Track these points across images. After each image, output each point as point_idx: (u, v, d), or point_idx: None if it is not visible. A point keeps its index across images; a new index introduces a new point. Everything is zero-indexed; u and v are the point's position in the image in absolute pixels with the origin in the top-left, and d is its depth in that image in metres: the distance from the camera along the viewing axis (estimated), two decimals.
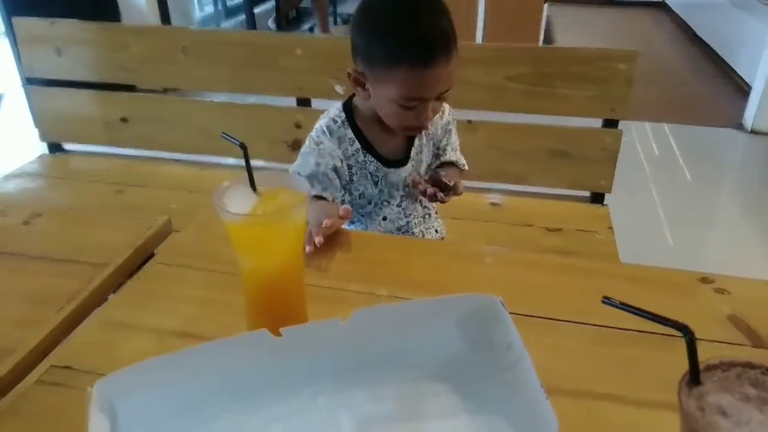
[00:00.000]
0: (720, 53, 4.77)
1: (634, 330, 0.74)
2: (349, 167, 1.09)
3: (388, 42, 0.94)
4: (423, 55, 0.92)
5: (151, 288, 0.83)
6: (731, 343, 0.73)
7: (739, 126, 3.65)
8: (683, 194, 2.94)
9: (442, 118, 1.16)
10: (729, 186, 3.14)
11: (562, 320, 0.76)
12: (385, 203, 1.14)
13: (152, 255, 0.97)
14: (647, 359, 0.70)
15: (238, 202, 0.61)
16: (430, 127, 1.13)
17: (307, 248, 0.84)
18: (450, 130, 1.18)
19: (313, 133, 1.09)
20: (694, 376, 0.41)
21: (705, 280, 0.85)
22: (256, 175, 0.64)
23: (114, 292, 0.87)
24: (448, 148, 1.19)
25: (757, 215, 2.74)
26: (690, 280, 0.85)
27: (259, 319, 0.67)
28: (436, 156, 1.19)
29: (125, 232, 0.96)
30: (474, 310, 0.52)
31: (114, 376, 0.48)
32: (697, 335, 0.74)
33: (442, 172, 1.12)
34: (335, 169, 1.06)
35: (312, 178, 1.04)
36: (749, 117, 3.59)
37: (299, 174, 1.05)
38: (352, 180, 1.10)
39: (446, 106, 1.17)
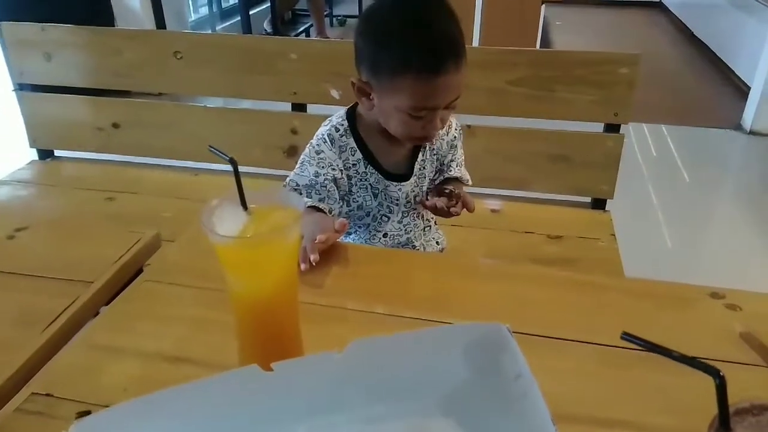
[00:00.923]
0: (718, 54, 4.75)
1: (643, 350, 0.70)
2: (349, 178, 1.06)
3: (395, 49, 0.90)
4: (432, 63, 0.88)
5: (138, 307, 0.80)
6: (744, 364, 0.70)
7: (738, 127, 3.63)
8: (683, 197, 2.92)
9: (448, 133, 1.12)
10: (729, 188, 3.12)
11: (567, 339, 0.73)
12: (384, 217, 1.10)
13: (141, 270, 0.93)
14: (658, 382, 0.66)
15: (228, 221, 0.58)
16: (435, 140, 1.10)
17: (302, 266, 0.80)
18: (456, 146, 1.14)
19: (313, 141, 1.05)
20: (724, 421, 0.37)
21: (715, 295, 0.82)
22: (247, 190, 0.61)
23: (101, 310, 0.84)
24: (453, 164, 1.15)
25: (759, 218, 2.71)
26: (700, 295, 0.82)
27: (250, 342, 0.64)
28: (440, 171, 1.15)
29: (113, 247, 0.93)
30: (480, 339, 0.49)
31: (94, 417, 0.45)
32: (709, 355, 0.71)
33: (446, 187, 1.08)
34: (334, 180, 1.03)
35: (310, 188, 1.01)
36: (748, 118, 3.57)
37: (297, 183, 1.02)
38: (351, 191, 1.07)
39: (453, 121, 1.13)
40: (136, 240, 0.95)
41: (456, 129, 1.14)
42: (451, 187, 1.03)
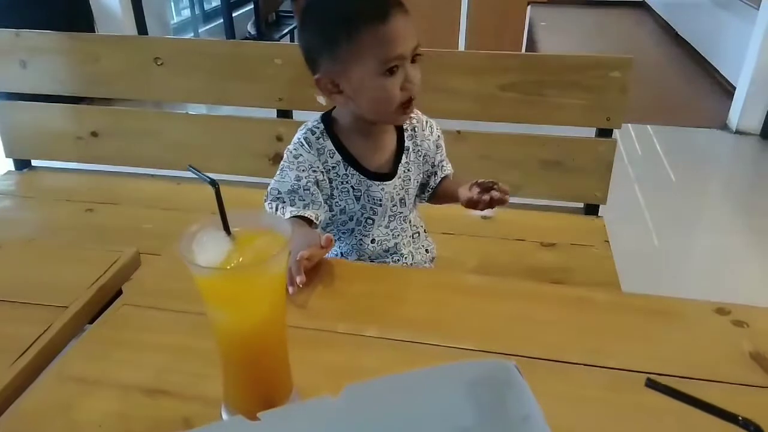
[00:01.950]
0: (703, 53, 4.77)
1: (654, 373, 0.67)
2: (330, 181, 1.03)
3: (342, 20, 0.92)
4: (378, 12, 0.89)
5: (116, 334, 0.75)
6: (758, 386, 0.67)
7: (724, 126, 3.63)
8: (670, 197, 2.91)
9: (432, 132, 1.12)
10: (719, 189, 3.11)
11: (572, 363, 0.69)
12: (368, 221, 1.07)
13: (120, 291, 0.88)
14: (674, 408, 0.62)
15: (210, 249, 0.54)
16: (422, 141, 1.09)
17: (290, 290, 0.76)
18: (441, 145, 1.14)
19: (290, 146, 1.03)
20: None
21: (721, 311, 0.78)
22: (230, 211, 0.56)
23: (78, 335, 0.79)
24: (444, 162, 1.15)
25: (750, 219, 2.71)
26: (705, 311, 0.79)
27: (235, 376, 0.59)
28: (433, 174, 1.14)
29: (90, 267, 0.88)
30: (484, 378, 0.45)
31: None
32: (719, 377, 0.68)
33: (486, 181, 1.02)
34: (317, 183, 1.00)
35: (293, 193, 0.98)
36: (734, 117, 3.58)
37: (279, 191, 0.99)
38: (333, 195, 1.04)
39: (434, 123, 1.13)
40: (114, 259, 0.90)
41: (437, 129, 1.14)
42: (491, 180, 0.99)
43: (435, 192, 1.15)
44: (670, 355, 0.71)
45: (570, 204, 1.62)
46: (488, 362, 0.46)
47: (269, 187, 1.01)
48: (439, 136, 1.13)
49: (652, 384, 0.36)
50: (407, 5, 0.94)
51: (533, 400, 0.44)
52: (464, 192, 1.00)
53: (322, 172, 1.01)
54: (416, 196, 1.15)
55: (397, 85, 0.93)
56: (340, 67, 0.94)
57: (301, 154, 1.01)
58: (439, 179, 1.14)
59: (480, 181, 0.99)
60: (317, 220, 0.99)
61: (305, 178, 0.99)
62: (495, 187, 0.97)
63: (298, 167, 0.99)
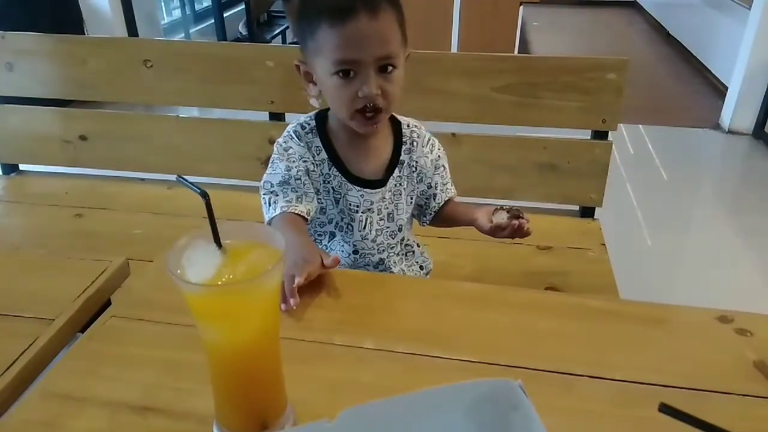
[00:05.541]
0: (694, 53, 4.78)
1: (661, 385, 0.65)
2: (317, 175, 1.01)
3: (308, 14, 0.89)
4: (340, 12, 0.85)
5: (104, 348, 0.72)
6: (763, 397, 0.65)
7: (717, 126, 3.64)
8: (662, 197, 2.91)
9: (432, 151, 1.07)
10: (714, 190, 3.11)
11: (576, 375, 0.67)
12: (348, 227, 1.04)
13: (109, 302, 0.86)
14: (687, 427, 0.61)
15: (199, 263, 0.51)
16: (419, 158, 1.05)
17: (283, 307, 0.74)
18: (442, 165, 1.09)
19: (280, 140, 1.02)
20: None
21: (723, 318, 0.77)
22: (221, 223, 0.54)
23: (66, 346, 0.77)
24: (448, 185, 1.10)
25: (739, 216, 2.71)
26: (707, 320, 0.77)
27: (227, 394, 0.57)
28: (432, 196, 1.09)
29: (77, 277, 0.86)
30: (487, 399, 0.43)
31: None
32: (724, 387, 0.67)
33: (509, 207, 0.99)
34: (307, 173, 0.99)
35: (285, 185, 0.97)
36: (726, 117, 3.58)
37: (271, 183, 0.97)
38: (318, 191, 1.02)
39: (436, 140, 1.09)
40: (102, 269, 0.87)
41: (439, 149, 1.09)
42: (517, 208, 0.96)
43: (439, 215, 1.11)
44: (675, 367, 0.69)
45: (565, 207, 1.61)
46: (491, 382, 0.44)
47: (262, 181, 0.99)
48: (439, 156, 1.08)
49: (665, 409, 0.34)
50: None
51: (539, 423, 0.42)
52: (484, 216, 0.98)
53: (312, 163, 1.00)
54: (413, 216, 1.12)
55: (350, 91, 0.88)
56: (309, 58, 0.93)
57: (291, 147, 1.00)
58: (442, 202, 1.09)
59: (506, 207, 0.97)
60: (308, 215, 0.97)
61: (295, 168, 0.98)
62: (521, 215, 0.94)
63: (288, 158, 0.99)
